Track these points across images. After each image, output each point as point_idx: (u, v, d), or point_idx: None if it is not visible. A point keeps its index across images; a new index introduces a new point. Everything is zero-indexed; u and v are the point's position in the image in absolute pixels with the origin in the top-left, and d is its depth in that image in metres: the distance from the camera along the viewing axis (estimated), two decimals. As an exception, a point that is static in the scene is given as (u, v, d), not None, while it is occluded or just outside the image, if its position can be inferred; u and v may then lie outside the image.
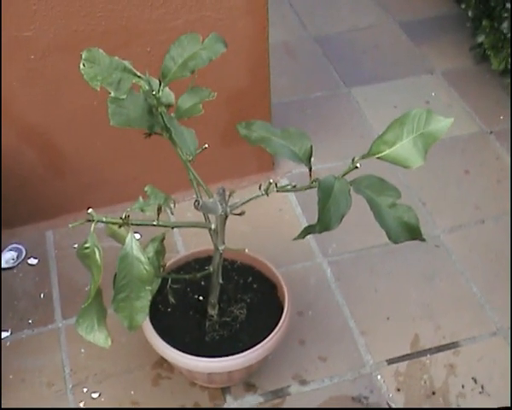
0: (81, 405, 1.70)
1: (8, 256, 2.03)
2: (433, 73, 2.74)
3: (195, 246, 1.86)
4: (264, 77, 2.06)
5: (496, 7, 2.49)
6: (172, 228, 1.47)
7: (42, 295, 1.95)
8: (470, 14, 2.70)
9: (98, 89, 1.27)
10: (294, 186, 1.37)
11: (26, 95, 1.89)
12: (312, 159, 1.35)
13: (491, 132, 2.45)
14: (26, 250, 2.06)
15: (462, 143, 2.41)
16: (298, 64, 2.82)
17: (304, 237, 1.30)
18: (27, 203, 2.09)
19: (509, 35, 2.44)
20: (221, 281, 1.60)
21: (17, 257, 2.04)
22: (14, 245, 2.07)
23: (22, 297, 1.94)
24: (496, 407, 1.67)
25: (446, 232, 2.11)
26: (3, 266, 2.01)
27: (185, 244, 2.08)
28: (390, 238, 1.31)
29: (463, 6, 2.74)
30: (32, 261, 2.04)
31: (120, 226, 1.31)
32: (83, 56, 1.29)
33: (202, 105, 1.44)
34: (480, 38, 2.63)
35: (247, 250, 1.54)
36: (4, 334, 1.85)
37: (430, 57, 2.81)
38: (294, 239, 1.31)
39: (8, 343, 1.84)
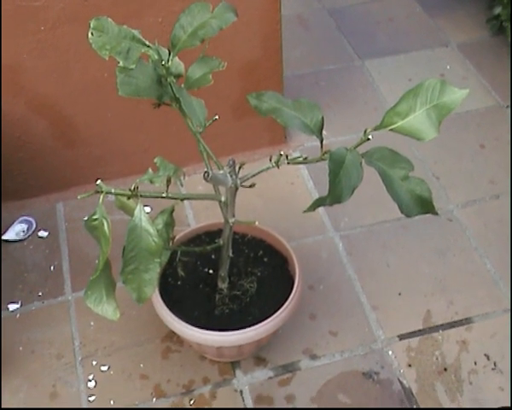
0: (90, 377, 1.70)
1: (19, 228, 2.03)
2: (448, 45, 2.70)
3: (206, 219, 1.85)
4: (276, 48, 2.03)
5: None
6: (182, 200, 1.45)
7: (52, 268, 1.94)
8: (487, -15, 2.66)
9: (107, 58, 1.25)
10: (306, 158, 1.35)
11: (36, 66, 1.87)
12: (325, 132, 1.34)
13: (507, 106, 2.41)
14: (36, 223, 2.06)
15: (477, 116, 2.38)
16: (311, 36, 2.78)
17: (314, 210, 1.28)
18: (37, 175, 2.08)
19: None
20: (231, 254, 1.59)
21: (27, 229, 2.03)
22: (25, 217, 2.06)
23: (32, 270, 1.94)
24: (509, 385, 1.66)
25: (460, 207, 2.08)
26: (14, 238, 2.01)
27: (196, 218, 2.06)
28: (402, 212, 1.29)
29: (480, -23, 2.70)
30: (42, 234, 2.03)
31: (129, 198, 1.30)
32: (91, 25, 1.26)
33: (214, 77, 1.42)
34: (497, 10, 2.59)
35: (257, 223, 1.53)
36: (14, 306, 1.85)
37: (445, 29, 2.77)
38: (305, 211, 1.29)
39: (17, 315, 1.83)
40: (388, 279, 1.90)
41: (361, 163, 1.25)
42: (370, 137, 1.26)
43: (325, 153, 1.27)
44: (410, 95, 1.24)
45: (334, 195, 1.23)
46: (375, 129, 1.26)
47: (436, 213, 1.33)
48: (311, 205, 1.29)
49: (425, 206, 1.30)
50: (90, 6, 1.79)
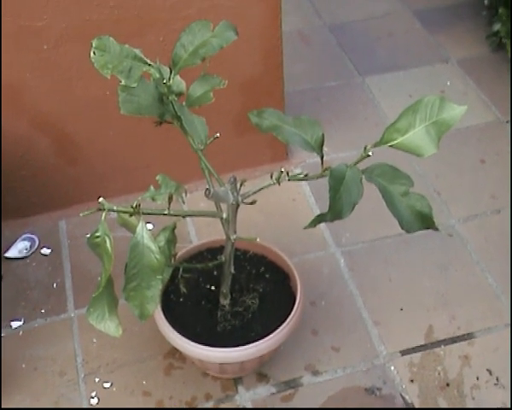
0: (93, 394, 1.70)
1: (22, 246, 2.03)
2: (448, 61, 2.71)
3: (208, 236, 1.85)
4: (277, 65, 2.05)
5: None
6: (184, 217, 1.46)
7: (54, 285, 1.95)
8: (486, 2, 2.68)
9: (109, 77, 1.27)
10: (306, 175, 1.36)
11: (38, 84, 1.89)
12: (326, 148, 1.34)
13: (507, 121, 2.42)
14: (39, 240, 2.07)
15: (477, 132, 2.38)
16: (312, 52, 2.80)
17: (315, 226, 1.29)
18: (40, 193, 2.09)
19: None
20: (233, 271, 1.60)
21: (30, 247, 2.04)
22: (27, 235, 2.07)
23: (35, 287, 1.95)
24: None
25: (461, 222, 2.09)
26: (17, 255, 2.01)
27: (198, 234, 2.07)
28: (402, 227, 1.30)
29: (479, -6, 2.72)
30: (45, 251, 2.04)
31: (131, 215, 1.31)
32: (93, 44, 1.28)
33: (215, 94, 1.43)
34: (497, 26, 2.60)
35: (258, 239, 1.53)
36: (17, 323, 1.86)
37: (445, 46, 2.78)
38: (306, 227, 1.30)
39: (20, 332, 1.84)
40: (390, 294, 1.90)
41: (361, 179, 1.26)
42: (370, 153, 1.27)
43: (326, 169, 1.28)
44: (409, 111, 1.25)
45: (335, 211, 1.24)
46: (375, 145, 1.27)
47: (436, 229, 1.34)
48: (312, 221, 1.29)
49: (425, 221, 1.31)
50: (91, 25, 1.81)
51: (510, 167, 2.23)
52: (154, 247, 1.27)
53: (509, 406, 1.65)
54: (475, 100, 2.50)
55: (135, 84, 1.27)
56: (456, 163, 2.27)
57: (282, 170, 1.35)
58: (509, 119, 2.42)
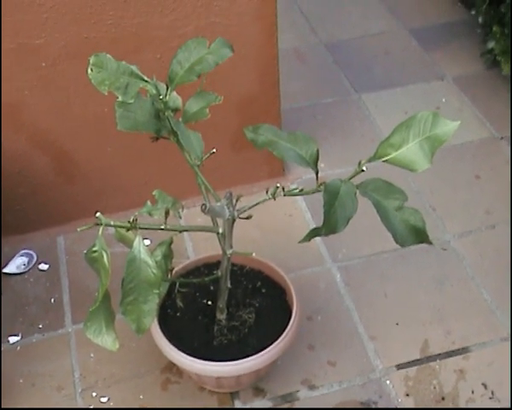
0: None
1: (19, 262, 2.05)
2: (443, 79, 2.73)
3: (206, 252, 1.87)
4: (273, 82, 2.07)
5: (506, 13, 2.49)
6: (180, 232, 1.47)
7: (52, 300, 1.96)
8: (480, 20, 2.69)
9: (106, 93, 1.28)
10: (301, 190, 1.37)
11: (37, 102, 1.90)
12: (322, 164, 1.36)
13: (501, 138, 2.44)
14: (36, 256, 2.08)
15: (472, 148, 2.40)
16: (308, 70, 2.82)
17: (310, 240, 1.30)
18: (38, 209, 2.10)
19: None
20: (229, 285, 1.61)
21: (28, 262, 2.05)
22: (25, 251, 2.08)
23: (33, 302, 1.96)
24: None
25: (457, 237, 2.10)
26: (15, 271, 2.02)
27: (195, 250, 2.08)
28: (397, 241, 1.31)
29: (474, 12, 2.74)
30: (43, 267, 2.05)
31: (128, 230, 1.32)
32: (90, 61, 1.30)
33: (212, 112, 1.45)
34: (491, 44, 2.62)
35: (254, 254, 1.55)
36: (15, 339, 1.86)
37: (441, 63, 2.81)
38: (300, 242, 1.31)
39: (18, 348, 1.85)
40: (386, 309, 1.91)
41: (355, 194, 1.28)
42: (364, 168, 1.28)
43: (320, 184, 1.29)
44: (402, 127, 1.26)
45: (330, 225, 1.25)
46: (370, 160, 1.28)
47: (430, 243, 1.35)
48: (307, 235, 1.31)
49: (419, 235, 1.32)
50: (90, 43, 1.83)
51: (510, 184, 2.24)
52: (150, 261, 1.28)
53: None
54: (470, 116, 2.52)
55: (131, 101, 1.29)
56: (452, 179, 2.29)
57: (278, 185, 1.37)
58: (509, 135, 2.43)
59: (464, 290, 1.95)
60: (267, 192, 1.39)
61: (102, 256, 1.25)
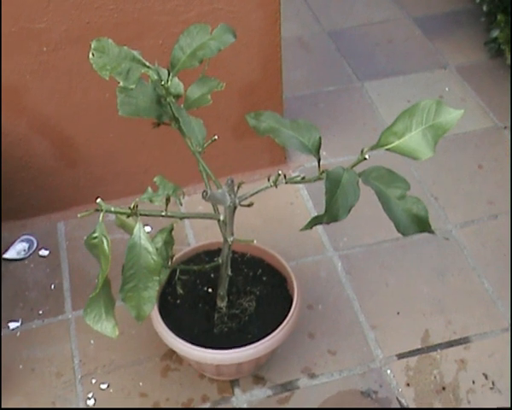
0: (89, 395, 1.71)
1: (20, 247, 2.04)
2: (446, 67, 2.72)
3: (207, 239, 1.86)
4: (276, 70, 2.05)
5: (511, 1, 2.48)
6: (181, 219, 1.46)
7: (52, 286, 1.96)
8: (485, 8, 2.69)
9: (107, 78, 1.27)
10: (303, 178, 1.36)
11: (38, 87, 1.89)
12: (324, 153, 1.35)
13: (505, 127, 2.43)
14: (37, 241, 2.07)
15: (475, 138, 2.39)
16: (311, 58, 2.81)
17: (311, 228, 1.29)
18: (39, 195, 2.09)
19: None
20: (230, 273, 1.60)
21: (28, 248, 2.04)
22: (26, 236, 2.08)
23: (33, 288, 1.95)
24: (508, 405, 1.66)
25: (459, 227, 2.10)
26: (15, 256, 2.02)
27: (196, 237, 2.08)
28: (399, 230, 1.30)
29: (478, 1, 2.73)
30: (44, 253, 2.05)
31: (129, 216, 1.31)
32: (92, 46, 1.29)
33: (214, 98, 1.44)
34: (495, 33, 2.61)
35: (255, 241, 1.54)
36: (15, 324, 1.86)
37: (444, 52, 2.80)
38: (302, 229, 1.30)
39: (18, 333, 1.84)
40: (387, 299, 1.91)
41: (358, 182, 1.27)
42: (367, 156, 1.27)
43: (322, 172, 1.28)
44: (405, 115, 1.25)
45: (331, 213, 1.25)
46: (372, 149, 1.27)
47: (432, 232, 1.34)
48: (308, 223, 1.30)
49: (421, 225, 1.31)
50: (91, 28, 1.82)
51: (510, 174, 2.23)
52: (151, 248, 1.27)
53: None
54: (473, 106, 2.51)
55: (133, 86, 1.28)
56: (454, 169, 2.28)
57: (280, 173, 1.36)
58: (509, 124, 2.42)
59: (465, 280, 1.95)
60: (269, 180, 1.38)
61: (103, 242, 1.24)
